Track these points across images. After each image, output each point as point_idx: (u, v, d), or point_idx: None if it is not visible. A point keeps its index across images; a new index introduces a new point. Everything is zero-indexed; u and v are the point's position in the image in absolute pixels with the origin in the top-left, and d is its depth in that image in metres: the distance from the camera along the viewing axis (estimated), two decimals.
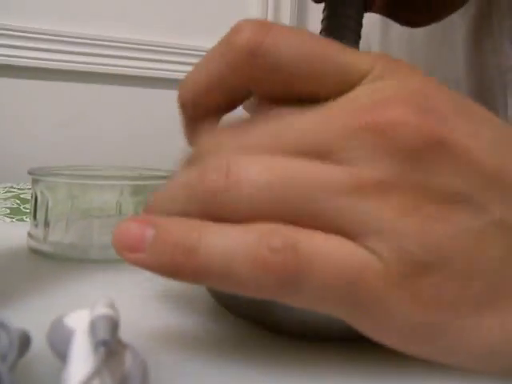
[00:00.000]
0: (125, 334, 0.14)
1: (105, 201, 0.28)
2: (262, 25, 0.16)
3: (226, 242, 0.14)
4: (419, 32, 0.44)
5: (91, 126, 1.10)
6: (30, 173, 0.28)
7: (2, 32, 0.99)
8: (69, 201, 0.27)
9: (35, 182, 0.28)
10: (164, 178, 0.30)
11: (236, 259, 0.13)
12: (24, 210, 0.49)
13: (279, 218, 0.14)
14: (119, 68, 1.09)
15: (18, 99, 1.05)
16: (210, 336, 0.19)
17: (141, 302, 0.22)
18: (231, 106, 0.18)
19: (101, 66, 1.07)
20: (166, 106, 1.14)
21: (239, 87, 0.17)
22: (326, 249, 0.13)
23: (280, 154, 0.15)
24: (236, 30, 0.16)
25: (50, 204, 0.27)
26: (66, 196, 0.27)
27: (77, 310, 0.14)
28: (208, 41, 1.08)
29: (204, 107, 0.18)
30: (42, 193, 0.27)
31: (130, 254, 0.14)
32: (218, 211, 0.14)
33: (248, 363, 0.17)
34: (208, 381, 0.15)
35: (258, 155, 0.15)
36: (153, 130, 1.15)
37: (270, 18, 1.17)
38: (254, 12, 1.19)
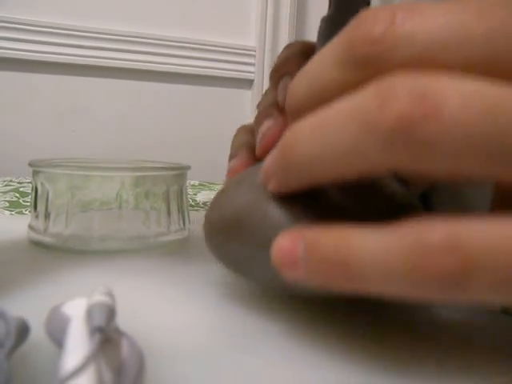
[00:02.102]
0: (123, 322, 0.14)
1: (105, 192, 0.27)
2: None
3: (378, 250, 0.12)
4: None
5: (91, 120, 1.10)
6: (30, 164, 0.28)
7: (1, 24, 0.99)
8: (69, 192, 0.27)
9: (35, 173, 0.28)
10: (165, 169, 0.30)
11: (391, 263, 0.12)
12: (23, 203, 0.49)
13: (487, 164, 0.11)
14: (119, 61, 1.08)
15: (17, 92, 1.05)
16: (211, 325, 0.19)
17: (140, 292, 0.22)
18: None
19: (100, 60, 1.07)
20: (166, 100, 1.14)
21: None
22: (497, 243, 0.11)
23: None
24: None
25: (50, 195, 0.27)
26: (67, 187, 0.27)
27: (75, 299, 0.14)
28: (208, 35, 1.08)
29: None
30: (42, 184, 0.27)
31: (288, 272, 0.14)
32: (409, 150, 0.12)
33: (251, 353, 0.16)
34: (206, 371, 0.15)
35: (461, 78, 0.12)
36: (152, 123, 1.15)
37: (269, 14, 1.17)
38: (254, 3, 1.18)
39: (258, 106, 0.26)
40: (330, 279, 0.13)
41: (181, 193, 0.31)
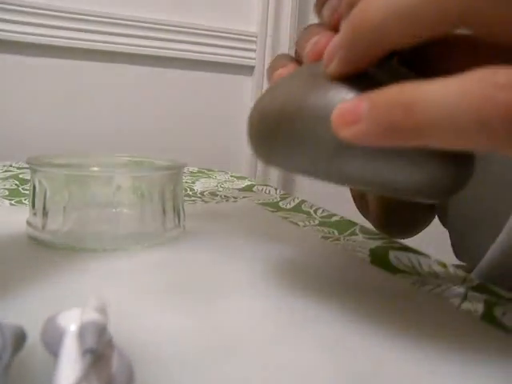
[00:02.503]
0: (117, 326, 0.15)
1: (102, 191, 0.28)
2: None
3: (444, 90, 0.13)
4: None
5: (90, 104, 1.10)
6: (28, 162, 0.29)
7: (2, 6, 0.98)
8: (66, 191, 0.27)
9: (33, 171, 0.28)
10: (161, 169, 0.30)
11: (458, 104, 0.13)
12: (23, 191, 0.50)
13: None
14: (118, 46, 1.08)
15: (17, 76, 1.05)
16: (207, 329, 0.19)
17: (135, 293, 0.22)
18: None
19: (100, 44, 1.06)
20: (166, 85, 1.14)
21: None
22: None
23: None
24: None
25: (48, 194, 0.27)
26: (64, 187, 0.27)
27: (70, 309, 0.15)
28: (209, 20, 1.07)
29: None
30: (40, 182, 0.28)
31: (347, 129, 0.15)
32: None
33: (248, 359, 0.17)
34: (199, 377, 0.16)
35: None
36: (152, 108, 1.15)
37: (270, 10, 1.15)
38: (255, 1, 1.17)
39: (296, 42, 0.25)
40: (394, 128, 0.14)
41: (176, 191, 0.31)
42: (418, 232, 0.53)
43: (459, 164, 0.17)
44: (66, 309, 0.15)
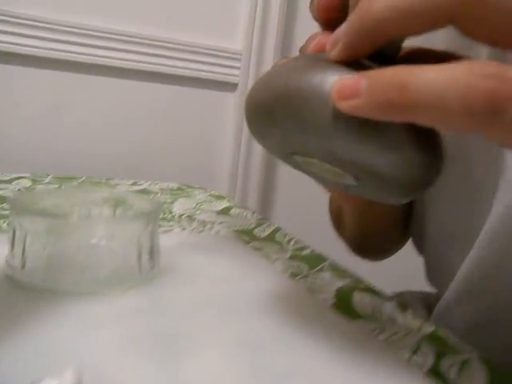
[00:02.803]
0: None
1: (81, 237, 0.29)
2: None
3: (436, 75, 0.15)
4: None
5: (75, 117, 1.10)
6: (9, 204, 0.30)
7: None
8: (46, 236, 0.28)
9: (14, 214, 0.30)
10: (137, 216, 0.32)
11: (447, 90, 0.15)
12: (2, 211, 0.50)
13: None
14: (103, 59, 1.08)
15: (7, 86, 1.04)
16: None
17: (110, 342, 0.24)
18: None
19: (85, 56, 1.07)
20: (149, 99, 1.15)
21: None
22: None
23: None
24: None
25: (27, 240, 0.29)
26: (44, 233, 0.28)
27: (49, 378, 0.16)
28: (194, 36, 1.08)
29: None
30: (20, 226, 0.29)
31: (346, 102, 0.17)
32: None
33: None
34: None
35: None
36: (134, 122, 1.15)
37: (257, 18, 1.18)
38: (244, 7, 1.19)
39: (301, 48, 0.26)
40: (388, 104, 0.16)
41: (153, 232, 0.33)
42: (391, 255, 0.56)
43: (433, 156, 0.20)
44: (45, 364, 0.17)
